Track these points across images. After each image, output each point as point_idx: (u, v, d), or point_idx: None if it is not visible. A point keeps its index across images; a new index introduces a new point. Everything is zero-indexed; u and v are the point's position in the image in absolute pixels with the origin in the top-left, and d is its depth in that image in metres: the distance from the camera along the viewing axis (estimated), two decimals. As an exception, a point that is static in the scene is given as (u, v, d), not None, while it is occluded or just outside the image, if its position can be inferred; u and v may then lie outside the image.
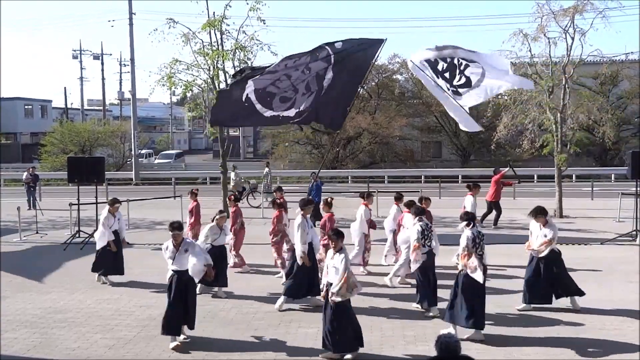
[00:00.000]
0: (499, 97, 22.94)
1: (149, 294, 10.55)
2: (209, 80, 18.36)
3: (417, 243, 9.16)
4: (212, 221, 10.58)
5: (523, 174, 24.65)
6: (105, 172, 17.83)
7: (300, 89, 13.65)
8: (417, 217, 9.46)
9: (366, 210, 11.71)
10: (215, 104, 14.96)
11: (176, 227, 8.03)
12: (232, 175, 23.15)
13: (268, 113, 13.81)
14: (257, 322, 8.94)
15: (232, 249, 12.18)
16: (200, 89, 19.30)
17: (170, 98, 72.42)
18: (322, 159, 36.36)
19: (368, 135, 36.29)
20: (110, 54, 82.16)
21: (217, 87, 18.26)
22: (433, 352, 4.38)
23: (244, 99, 13.62)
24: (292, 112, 13.92)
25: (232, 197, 13.29)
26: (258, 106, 13.74)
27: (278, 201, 11.92)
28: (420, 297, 9.36)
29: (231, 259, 11.88)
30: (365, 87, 39.66)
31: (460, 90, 12.60)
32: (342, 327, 7.40)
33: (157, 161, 47.63)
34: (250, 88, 13.59)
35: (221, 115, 14.74)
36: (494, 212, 17.33)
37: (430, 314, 9.13)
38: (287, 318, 9.01)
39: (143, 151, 46.44)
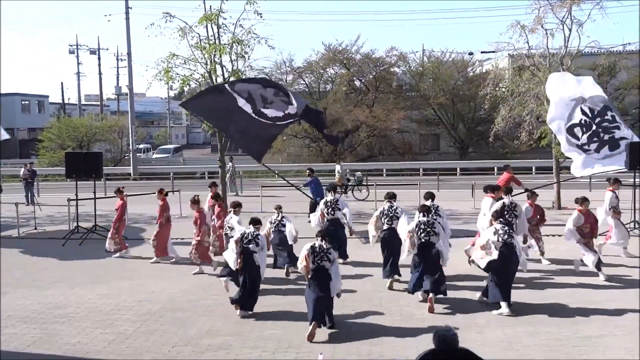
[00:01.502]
0: (497, 89, 22.95)
1: (148, 288, 10.56)
2: (206, 75, 18.32)
3: (375, 219, 10.76)
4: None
5: (521, 166, 24.64)
6: (103, 167, 17.80)
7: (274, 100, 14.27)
8: (387, 200, 10.81)
9: (580, 216, 11.52)
10: (201, 94, 15.49)
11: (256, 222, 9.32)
12: (338, 168, 23.17)
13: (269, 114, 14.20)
14: (258, 316, 8.94)
15: (155, 239, 12.56)
16: (197, 83, 19.24)
17: (168, 92, 72.35)
18: (320, 153, 36.64)
19: (366, 129, 36.25)
20: (107, 49, 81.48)
21: (214, 81, 18.21)
22: (432, 345, 4.40)
23: (236, 109, 13.88)
24: (288, 110, 14.29)
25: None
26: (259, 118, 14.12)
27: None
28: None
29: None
30: (363, 80, 39.61)
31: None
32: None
33: (155, 156, 47.49)
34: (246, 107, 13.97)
35: (200, 106, 15.33)
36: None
37: (388, 281, 10.28)
38: (288, 312, 9.02)
39: (141, 146, 46.34)
